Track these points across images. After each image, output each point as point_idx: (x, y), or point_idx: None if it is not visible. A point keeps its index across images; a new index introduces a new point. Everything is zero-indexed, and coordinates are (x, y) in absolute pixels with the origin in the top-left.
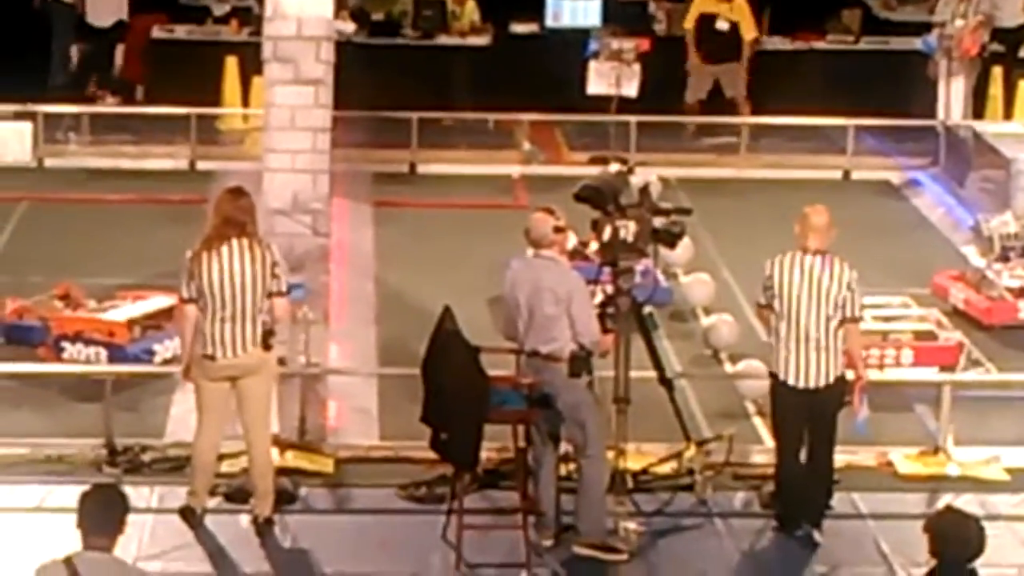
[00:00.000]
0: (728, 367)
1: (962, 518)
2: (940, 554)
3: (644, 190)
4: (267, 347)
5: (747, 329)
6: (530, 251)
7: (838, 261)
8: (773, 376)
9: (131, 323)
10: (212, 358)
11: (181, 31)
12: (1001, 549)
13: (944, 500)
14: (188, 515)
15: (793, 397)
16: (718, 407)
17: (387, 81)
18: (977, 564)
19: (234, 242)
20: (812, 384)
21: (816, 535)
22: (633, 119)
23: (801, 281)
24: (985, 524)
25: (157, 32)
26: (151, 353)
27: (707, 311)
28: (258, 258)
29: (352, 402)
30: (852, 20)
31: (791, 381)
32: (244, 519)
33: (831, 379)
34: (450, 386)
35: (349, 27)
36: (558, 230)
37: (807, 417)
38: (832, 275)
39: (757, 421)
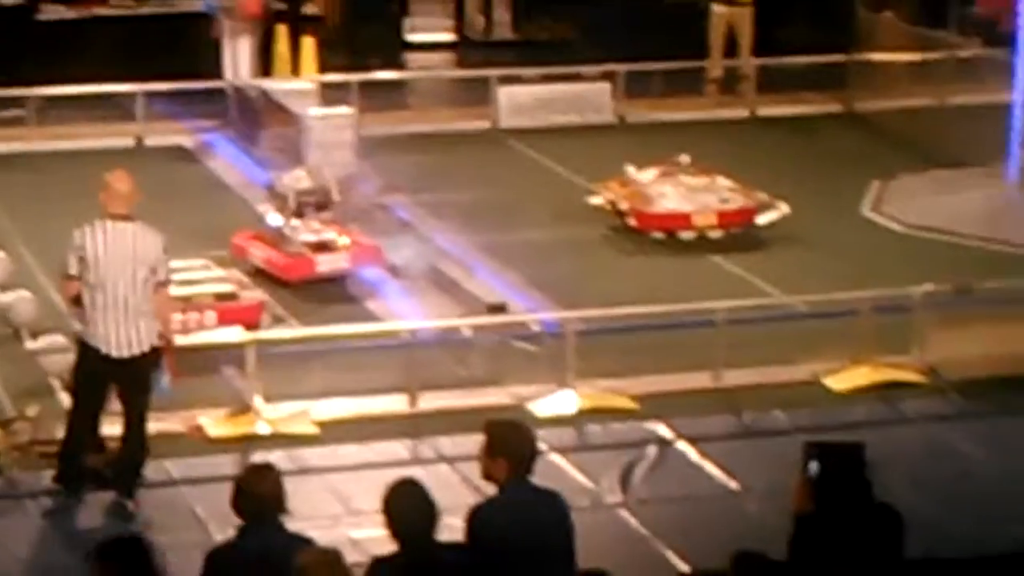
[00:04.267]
0: (30, 344)
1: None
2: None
3: None
4: None
5: (47, 304)
6: None
7: (144, 226)
8: (83, 344)
9: None
10: None
11: None
12: (314, 502)
13: (256, 458)
14: None
15: (104, 366)
16: (23, 385)
17: None
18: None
19: None
20: (127, 353)
21: (130, 505)
22: None
23: (115, 248)
24: (298, 478)
25: None
26: None
27: (4, 288)
28: None
29: None
30: None
31: (104, 350)
32: None
33: (146, 347)
34: None
35: None
36: None
37: (118, 386)
38: (144, 240)
39: (63, 396)
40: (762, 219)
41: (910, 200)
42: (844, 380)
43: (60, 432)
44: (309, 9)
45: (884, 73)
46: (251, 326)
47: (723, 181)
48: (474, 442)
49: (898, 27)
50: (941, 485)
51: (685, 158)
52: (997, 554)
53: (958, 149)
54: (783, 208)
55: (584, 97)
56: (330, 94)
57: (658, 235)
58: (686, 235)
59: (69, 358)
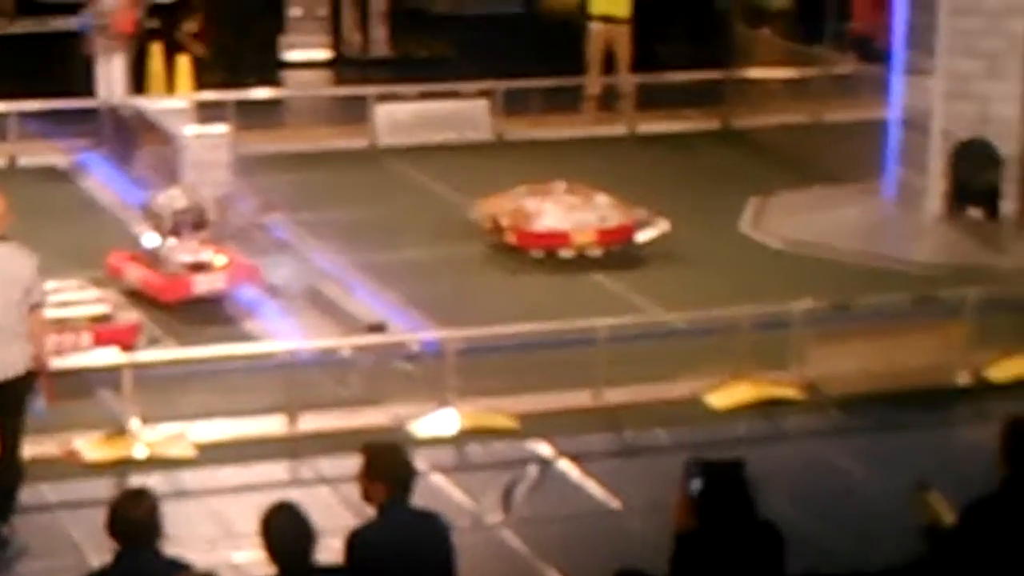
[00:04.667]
0: None
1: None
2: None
3: None
4: None
5: None
6: None
7: (18, 247)
8: None
9: None
10: None
11: None
12: (192, 525)
13: (133, 481)
14: None
15: None
16: None
17: None
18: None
19: None
20: (1, 376)
21: (4, 530)
22: None
23: None
24: (176, 501)
25: None
26: None
27: None
28: None
29: None
30: (6, 2)
31: None
32: None
33: (20, 370)
34: None
35: None
36: None
37: None
38: (17, 262)
39: None
40: (642, 236)
41: (788, 216)
42: (724, 397)
43: None
44: (187, 27)
45: (761, 90)
46: (127, 347)
47: (602, 199)
48: (354, 463)
49: (775, 43)
50: (821, 501)
51: (560, 184)
52: (877, 570)
53: (835, 166)
54: (663, 225)
55: (462, 115)
56: (205, 113)
57: (538, 253)
58: (566, 253)
59: None
